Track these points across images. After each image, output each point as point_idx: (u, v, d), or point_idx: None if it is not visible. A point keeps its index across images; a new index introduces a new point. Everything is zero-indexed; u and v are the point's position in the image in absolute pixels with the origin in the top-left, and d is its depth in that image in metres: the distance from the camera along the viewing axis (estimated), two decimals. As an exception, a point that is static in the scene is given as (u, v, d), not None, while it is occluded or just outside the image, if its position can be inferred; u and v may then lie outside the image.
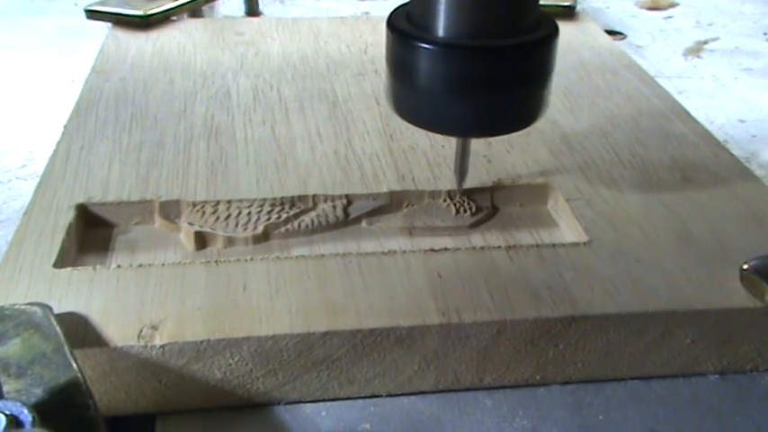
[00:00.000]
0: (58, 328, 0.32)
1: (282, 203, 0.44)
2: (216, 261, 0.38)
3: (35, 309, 0.33)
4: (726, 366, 0.38)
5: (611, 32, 0.86)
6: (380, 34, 0.44)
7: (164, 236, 0.43)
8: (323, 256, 0.39)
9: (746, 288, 0.37)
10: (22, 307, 0.33)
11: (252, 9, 0.93)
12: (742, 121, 0.70)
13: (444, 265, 0.38)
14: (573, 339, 0.36)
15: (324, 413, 0.35)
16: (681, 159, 0.49)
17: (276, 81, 0.60)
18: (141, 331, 0.33)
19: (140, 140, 0.50)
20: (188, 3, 0.76)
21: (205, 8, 0.82)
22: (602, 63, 0.65)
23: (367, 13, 1.00)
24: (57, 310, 0.34)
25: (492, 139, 0.50)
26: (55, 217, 0.42)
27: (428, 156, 0.49)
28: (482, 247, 0.40)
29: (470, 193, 0.46)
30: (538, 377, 0.37)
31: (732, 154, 0.50)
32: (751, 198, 0.45)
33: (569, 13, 0.76)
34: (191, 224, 0.42)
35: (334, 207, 0.44)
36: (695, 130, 0.54)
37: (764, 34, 0.94)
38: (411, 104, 0.40)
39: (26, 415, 0.25)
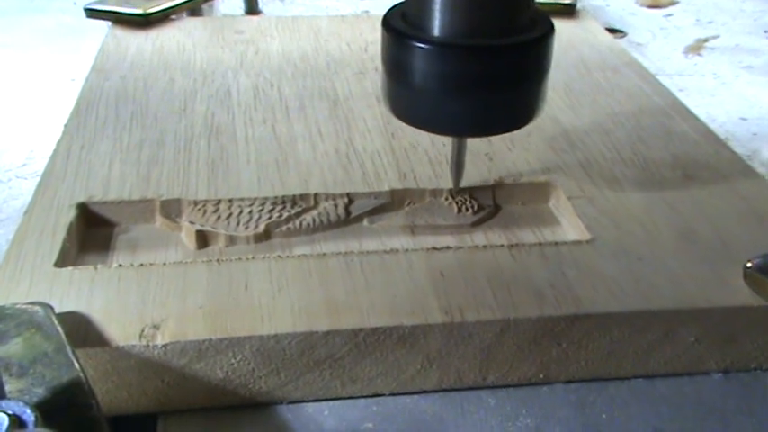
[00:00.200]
0: (59, 328, 0.32)
1: (284, 202, 0.44)
2: (217, 260, 0.38)
3: (36, 308, 0.33)
4: (729, 365, 0.38)
5: (611, 30, 0.86)
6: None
7: (165, 235, 0.43)
8: (325, 254, 0.39)
9: (750, 286, 0.37)
10: (24, 306, 0.33)
11: (251, 7, 0.93)
12: (743, 119, 0.70)
13: (447, 263, 0.38)
14: (576, 338, 0.36)
15: (326, 412, 0.35)
16: (682, 157, 0.49)
17: (276, 80, 0.60)
18: (143, 330, 0.33)
19: (141, 139, 0.50)
20: (187, 1, 0.76)
21: (204, 7, 0.82)
22: (602, 61, 0.65)
23: (367, 11, 1.00)
24: (58, 310, 0.34)
25: (493, 137, 0.50)
26: (56, 216, 0.42)
27: (429, 154, 0.49)
28: (484, 246, 0.40)
29: (472, 192, 0.46)
30: (541, 376, 0.37)
31: (733, 152, 0.50)
32: (753, 196, 0.45)
33: (570, 10, 0.76)
34: (192, 223, 0.42)
35: (336, 206, 0.44)
36: (696, 127, 0.53)
37: (765, 32, 0.94)
38: (406, 104, 0.40)
39: (29, 415, 0.25)
